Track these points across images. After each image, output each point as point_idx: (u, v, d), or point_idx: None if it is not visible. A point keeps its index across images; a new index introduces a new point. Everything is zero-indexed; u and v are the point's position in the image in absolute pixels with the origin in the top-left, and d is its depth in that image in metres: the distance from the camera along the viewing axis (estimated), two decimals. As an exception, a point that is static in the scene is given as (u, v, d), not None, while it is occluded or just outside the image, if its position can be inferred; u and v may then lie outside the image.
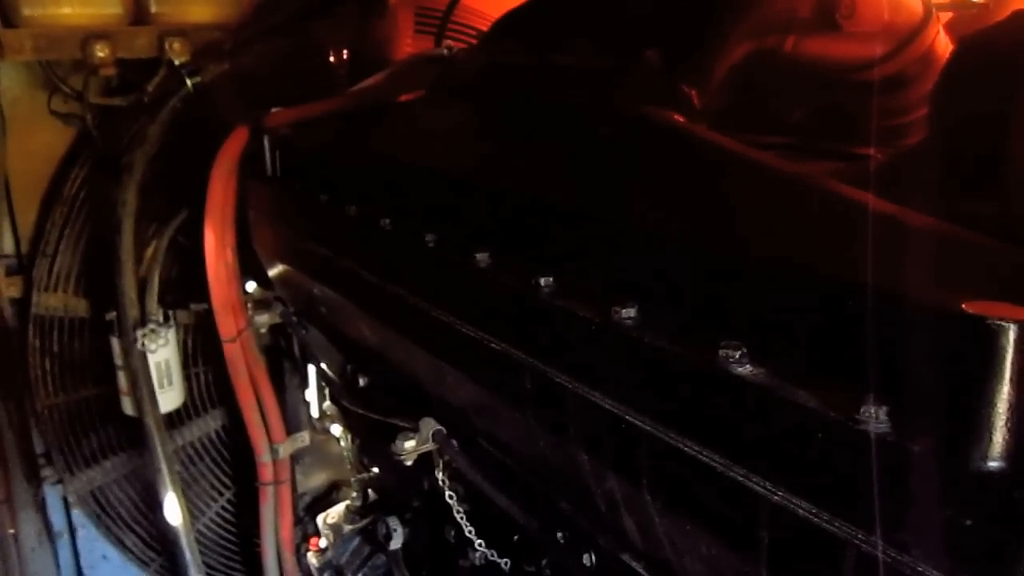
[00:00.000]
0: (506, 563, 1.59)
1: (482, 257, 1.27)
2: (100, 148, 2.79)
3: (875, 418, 0.71)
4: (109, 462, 3.05)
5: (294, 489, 2.84)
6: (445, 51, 2.39)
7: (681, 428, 0.91)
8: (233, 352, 2.43)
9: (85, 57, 2.53)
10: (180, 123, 2.67)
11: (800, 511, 0.77)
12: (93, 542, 3.16)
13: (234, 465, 3.20)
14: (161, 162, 2.69)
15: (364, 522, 2.30)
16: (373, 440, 2.23)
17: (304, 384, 2.62)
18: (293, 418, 2.73)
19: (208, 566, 3.09)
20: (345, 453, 2.48)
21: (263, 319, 2.51)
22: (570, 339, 1.07)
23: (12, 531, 2.85)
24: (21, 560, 2.90)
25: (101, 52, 2.52)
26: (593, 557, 1.32)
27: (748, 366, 0.83)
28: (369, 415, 1.96)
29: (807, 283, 0.86)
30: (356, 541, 2.33)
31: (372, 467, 2.37)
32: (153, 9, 2.66)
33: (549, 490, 1.38)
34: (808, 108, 1.78)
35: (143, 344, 2.60)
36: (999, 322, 0.64)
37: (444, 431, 1.61)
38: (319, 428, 2.62)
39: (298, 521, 2.87)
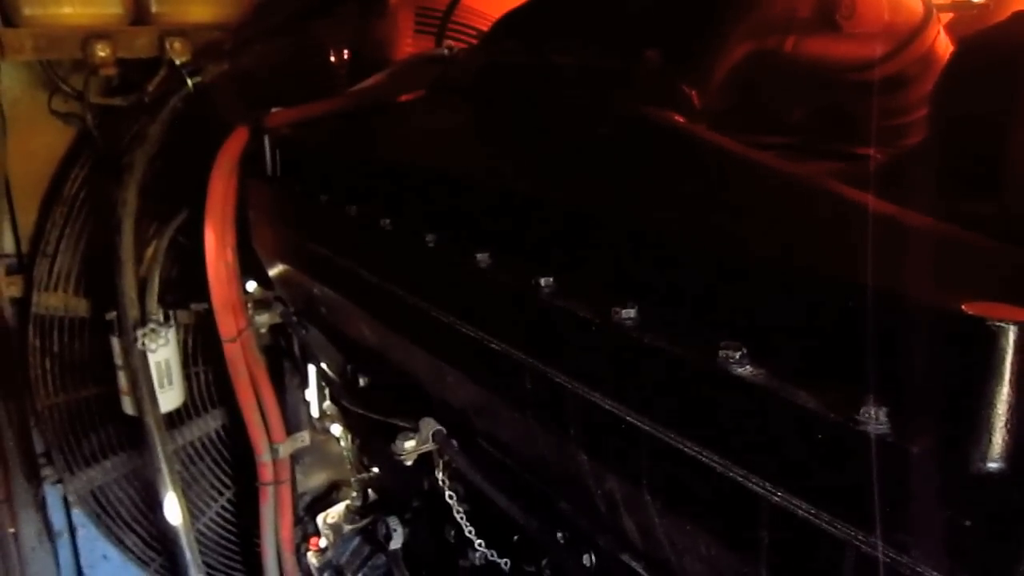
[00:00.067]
0: (506, 563, 1.59)
1: (482, 257, 1.27)
2: (100, 148, 2.79)
3: (875, 419, 0.71)
4: (109, 462, 3.05)
5: (294, 489, 2.84)
6: (445, 51, 2.39)
7: (681, 429, 0.91)
8: (233, 352, 2.43)
9: (86, 57, 2.53)
10: (180, 123, 2.68)
11: (800, 512, 0.77)
12: (93, 541, 3.16)
13: (234, 465, 3.20)
14: (161, 162, 2.70)
15: (364, 522, 2.30)
16: (373, 440, 2.23)
17: (304, 384, 2.62)
18: (293, 418, 2.74)
19: (208, 566, 3.09)
20: (345, 453, 2.48)
21: (263, 319, 2.52)
22: (570, 339, 1.07)
23: (12, 530, 2.85)
24: (21, 559, 2.90)
25: (102, 52, 2.52)
26: (593, 557, 1.32)
27: (748, 367, 0.83)
28: (369, 415, 1.96)
29: (807, 284, 0.86)
30: (356, 541, 2.33)
31: (372, 467, 2.37)
32: (154, 9, 2.66)
33: (549, 490, 1.38)
34: (808, 108, 1.78)
35: (143, 344, 2.60)
36: (999, 323, 0.64)
37: (444, 431, 1.61)
38: (319, 428, 2.62)
39: (298, 521, 2.87)
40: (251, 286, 2.52)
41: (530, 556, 1.54)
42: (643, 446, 0.97)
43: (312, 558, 2.49)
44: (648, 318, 0.98)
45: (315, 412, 2.56)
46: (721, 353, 0.85)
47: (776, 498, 0.80)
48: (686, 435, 0.90)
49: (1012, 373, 0.64)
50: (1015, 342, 0.63)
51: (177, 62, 2.61)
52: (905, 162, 1.41)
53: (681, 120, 1.47)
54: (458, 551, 1.73)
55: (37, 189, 2.86)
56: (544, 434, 1.22)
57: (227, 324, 2.39)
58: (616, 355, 1.00)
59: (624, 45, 1.66)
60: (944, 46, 1.69)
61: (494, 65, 1.98)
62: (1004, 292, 0.70)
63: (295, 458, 2.82)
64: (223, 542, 3.26)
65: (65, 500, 3.08)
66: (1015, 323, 0.63)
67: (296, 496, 2.88)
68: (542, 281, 1.12)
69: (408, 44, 2.77)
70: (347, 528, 2.36)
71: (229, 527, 3.26)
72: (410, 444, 1.60)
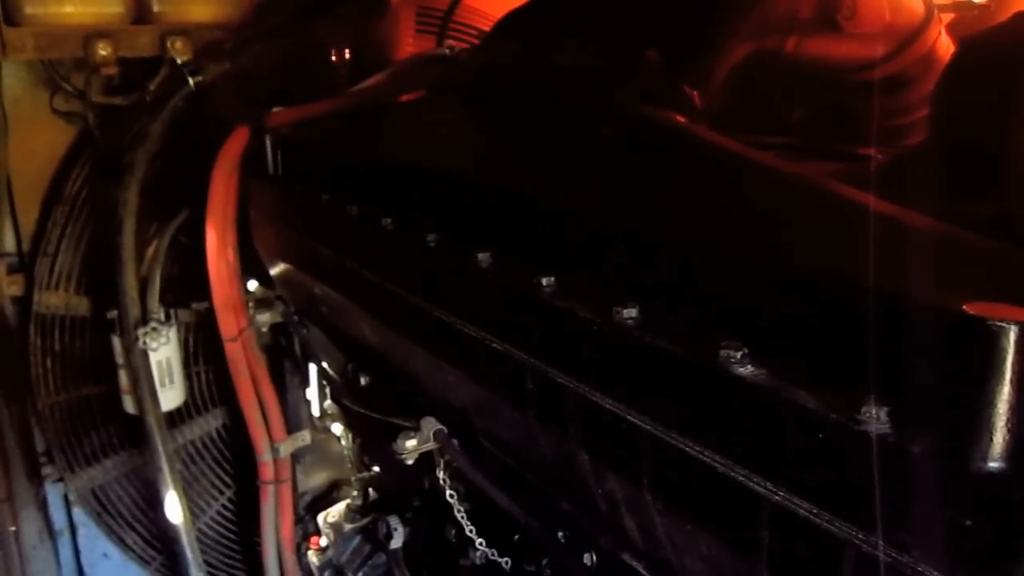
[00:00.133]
0: (507, 562, 1.59)
1: (483, 257, 1.27)
2: (102, 147, 2.79)
3: (876, 419, 0.71)
4: (110, 460, 3.05)
5: (295, 488, 2.84)
6: (447, 51, 2.39)
7: (682, 428, 0.91)
8: (234, 351, 2.43)
9: (87, 56, 2.53)
10: (182, 122, 2.68)
11: (801, 511, 0.77)
12: (94, 540, 3.16)
13: (235, 464, 3.20)
14: (163, 161, 2.70)
15: (365, 521, 2.30)
16: (374, 439, 2.23)
17: (305, 383, 2.62)
18: (294, 417, 2.74)
19: (209, 565, 3.09)
20: (346, 452, 2.48)
21: (264, 318, 2.52)
22: (571, 339, 1.07)
23: (13, 529, 2.86)
24: (22, 558, 2.91)
25: (103, 51, 2.52)
26: (594, 557, 1.32)
27: (749, 366, 0.84)
28: (370, 414, 1.96)
29: (808, 284, 0.86)
30: (357, 540, 2.34)
31: (373, 466, 2.37)
32: (155, 8, 2.66)
33: (550, 490, 1.38)
34: (809, 108, 1.78)
35: (144, 343, 2.60)
36: (1000, 323, 0.64)
37: (445, 430, 1.61)
38: (320, 427, 2.62)
39: (299, 520, 2.87)
40: (252, 285, 2.53)
41: (531, 555, 1.54)
42: (644, 446, 0.97)
43: (313, 557, 2.50)
44: (649, 318, 0.98)
45: (316, 411, 2.56)
46: (722, 353, 0.85)
47: (777, 498, 0.80)
48: (687, 435, 0.90)
49: (1013, 373, 0.64)
50: (1016, 342, 0.63)
51: (178, 61, 2.61)
52: (906, 162, 1.41)
53: (682, 120, 1.47)
54: (459, 550, 1.74)
55: (38, 188, 2.86)
56: (545, 434, 1.22)
57: (228, 323, 2.39)
58: (617, 355, 1.00)
59: (625, 45, 1.66)
60: (945, 46, 1.70)
61: (495, 65, 1.98)
62: (1005, 292, 0.70)
63: (296, 457, 2.83)
64: (224, 541, 3.26)
65: (66, 499, 3.08)
66: (1016, 323, 0.64)
67: (297, 495, 2.89)
68: (543, 281, 1.13)
69: (409, 44, 2.78)
70: (348, 527, 2.36)
71: (230, 526, 3.26)
72: (411, 443, 1.60)
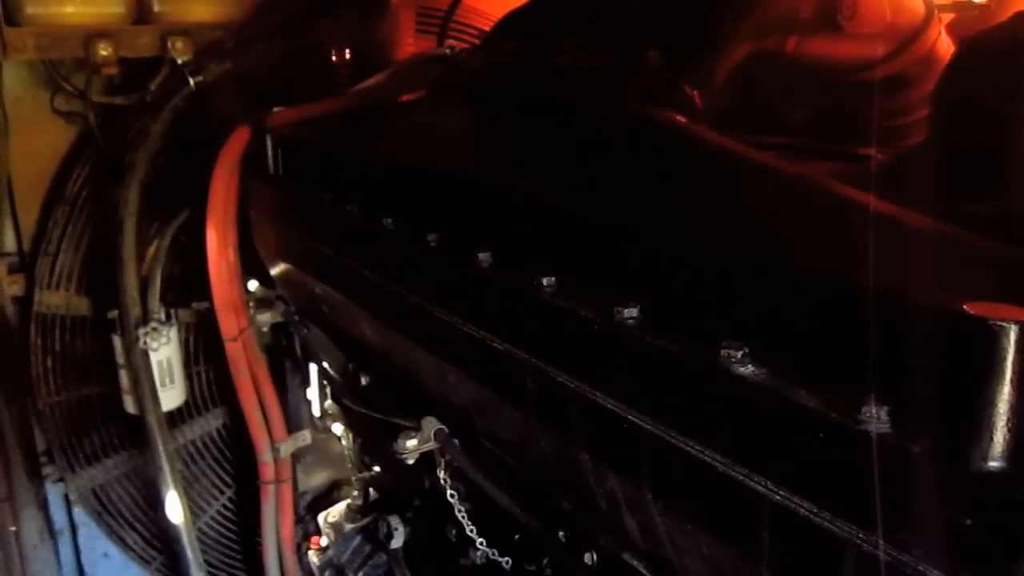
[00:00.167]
0: (507, 562, 1.59)
1: (484, 257, 1.27)
2: (102, 147, 2.79)
3: (876, 418, 0.71)
4: (111, 460, 3.06)
5: (295, 488, 2.85)
6: (447, 51, 2.39)
7: (683, 428, 0.91)
8: (235, 351, 2.44)
9: (88, 56, 2.54)
10: (182, 122, 2.68)
11: (801, 511, 0.77)
12: (94, 540, 3.16)
13: (235, 463, 3.20)
14: (163, 161, 2.70)
15: (365, 521, 2.30)
16: (374, 439, 2.23)
17: (305, 383, 2.62)
18: (294, 417, 2.74)
19: (209, 564, 3.09)
20: (346, 452, 2.48)
21: (265, 318, 2.52)
22: (572, 339, 1.07)
23: (14, 528, 2.86)
24: (23, 557, 2.91)
25: (104, 51, 2.53)
26: (594, 556, 1.32)
27: (750, 366, 0.84)
28: (370, 414, 1.96)
29: (809, 284, 0.86)
30: (357, 540, 2.34)
31: (373, 466, 2.37)
32: (156, 8, 2.66)
33: (550, 489, 1.38)
34: (810, 109, 1.78)
35: (145, 342, 2.61)
36: (1000, 323, 0.64)
37: (446, 430, 1.61)
38: (320, 427, 2.62)
39: (299, 520, 2.88)
40: (253, 285, 2.53)
41: (531, 555, 1.55)
42: (644, 445, 0.97)
43: (313, 557, 2.50)
44: (650, 318, 0.99)
45: (316, 411, 2.57)
46: (723, 352, 0.85)
47: (777, 497, 0.80)
48: (688, 434, 0.90)
49: (1013, 372, 0.64)
50: (1016, 341, 0.64)
51: (179, 61, 2.61)
52: (906, 162, 1.41)
53: (683, 120, 1.47)
54: (459, 550, 1.74)
55: (39, 188, 2.86)
56: (546, 433, 1.22)
57: (228, 323, 2.39)
58: (618, 354, 1.00)
59: (626, 45, 1.66)
60: (945, 46, 1.70)
61: (496, 65, 1.98)
62: (1005, 292, 0.71)
63: (296, 457, 2.83)
64: (224, 541, 3.26)
65: (66, 498, 3.08)
66: (1016, 323, 0.64)
67: (297, 495, 2.89)
68: (544, 280, 1.13)
69: (410, 44, 2.78)
70: (348, 527, 2.36)
71: (230, 526, 3.26)
72: (412, 443, 1.61)
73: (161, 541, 3.15)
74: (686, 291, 0.99)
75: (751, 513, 0.83)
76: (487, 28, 2.73)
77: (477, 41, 2.73)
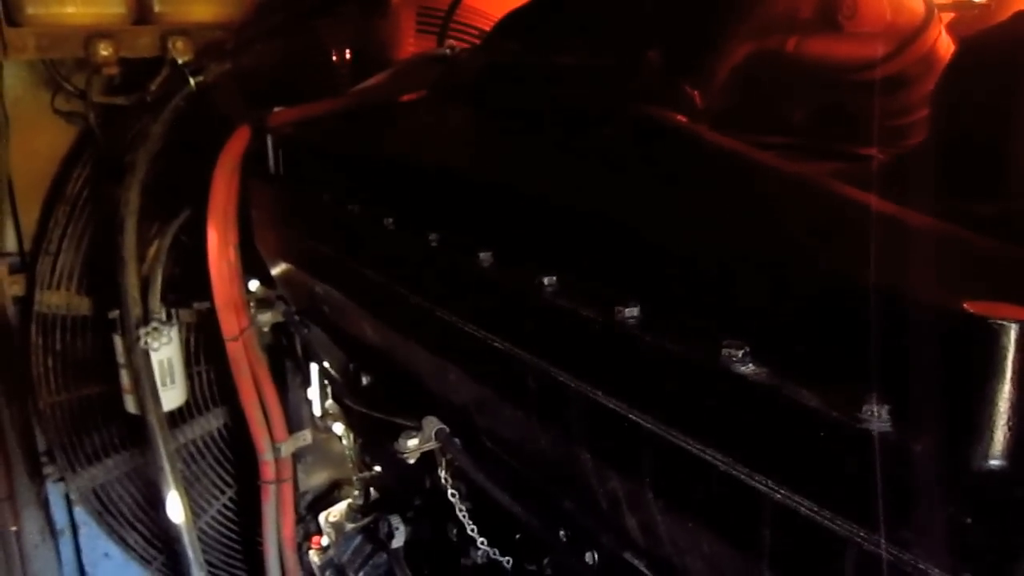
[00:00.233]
0: (508, 561, 1.59)
1: (485, 256, 1.27)
2: (103, 147, 2.80)
3: (877, 417, 0.72)
4: (111, 460, 3.06)
5: (296, 487, 2.85)
6: (447, 51, 2.40)
7: (684, 427, 0.91)
8: (235, 350, 2.44)
9: (88, 56, 2.54)
10: (183, 122, 2.68)
11: (802, 509, 0.78)
12: (95, 540, 3.16)
13: (236, 463, 3.20)
14: (164, 161, 2.70)
15: (366, 520, 2.30)
16: (375, 439, 2.23)
17: (306, 383, 2.63)
18: (295, 416, 2.74)
19: (210, 564, 3.10)
20: (347, 451, 2.48)
21: (265, 318, 2.52)
22: (573, 338, 1.07)
23: (14, 528, 2.86)
24: (23, 557, 2.91)
25: (104, 51, 2.53)
26: (595, 555, 1.32)
27: (751, 365, 0.84)
28: (371, 413, 1.96)
29: (809, 283, 0.86)
30: (358, 539, 2.34)
31: (374, 465, 2.38)
32: (156, 8, 2.67)
33: (551, 488, 1.38)
34: (810, 108, 1.78)
35: (146, 342, 2.61)
36: (1000, 321, 0.64)
37: (447, 429, 1.61)
38: (321, 426, 2.62)
39: (300, 519, 2.88)
40: (253, 285, 2.53)
41: (532, 554, 1.55)
42: (645, 444, 0.97)
43: (314, 556, 2.50)
44: (650, 317, 0.99)
45: (317, 411, 2.57)
46: (724, 351, 0.85)
47: (778, 496, 0.80)
48: (688, 433, 0.91)
49: (1013, 371, 0.64)
50: (1016, 340, 0.64)
51: (179, 61, 2.62)
52: (907, 162, 1.41)
53: (683, 120, 1.48)
54: (460, 549, 1.74)
55: (40, 188, 2.86)
56: (547, 433, 1.22)
57: (229, 323, 2.40)
58: (618, 354, 1.00)
59: (627, 45, 1.67)
60: (946, 46, 1.70)
61: (496, 65, 1.98)
62: (1005, 291, 0.71)
63: (297, 457, 2.83)
64: (225, 540, 3.26)
65: (67, 498, 3.09)
66: (1016, 321, 0.64)
67: (298, 495, 2.89)
68: (545, 280, 1.13)
69: (410, 44, 2.78)
70: (349, 526, 2.36)
71: (231, 525, 3.26)
72: (413, 442, 1.61)
73: (162, 541, 3.15)
74: (687, 290, 0.99)
75: (752, 512, 0.83)
76: (488, 28, 2.73)
77: (478, 41, 2.73)
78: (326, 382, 2.46)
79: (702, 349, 0.88)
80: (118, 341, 2.69)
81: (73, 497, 3.07)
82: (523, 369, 1.18)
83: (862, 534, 0.73)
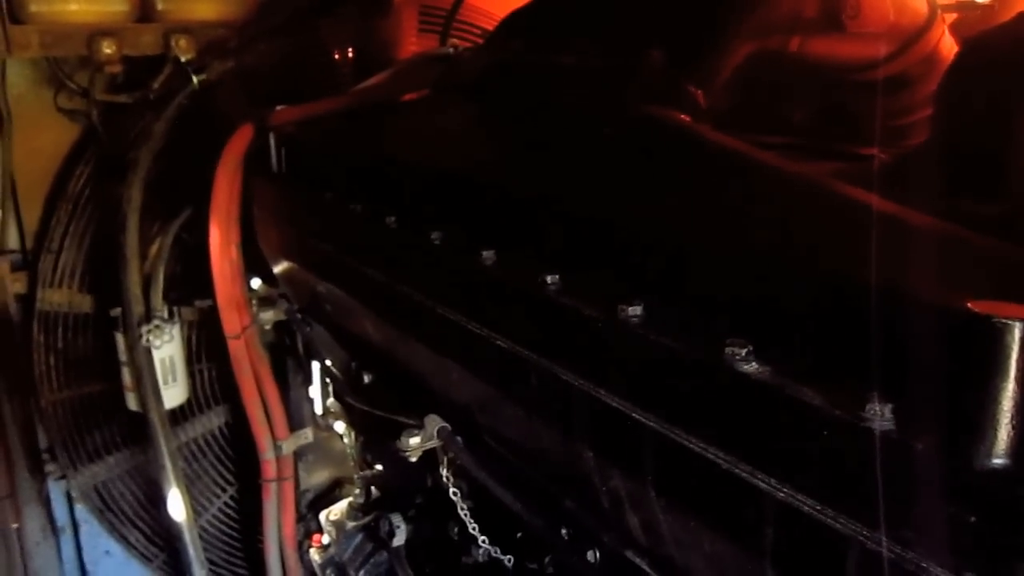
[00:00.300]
0: (510, 560, 1.59)
1: (488, 255, 1.27)
2: (105, 145, 2.80)
3: (880, 415, 0.72)
4: (113, 458, 3.06)
5: (297, 486, 2.85)
6: (450, 50, 2.40)
7: (686, 425, 0.91)
8: (237, 349, 2.44)
9: (91, 54, 2.54)
10: (185, 120, 2.68)
11: (805, 508, 0.78)
12: (96, 537, 3.17)
13: (237, 461, 3.21)
14: (166, 159, 2.70)
15: (367, 519, 2.30)
16: (377, 437, 2.23)
17: (308, 381, 2.63)
18: (296, 415, 2.74)
19: (211, 562, 3.10)
20: (348, 450, 2.48)
21: (267, 316, 2.52)
22: (576, 336, 1.08)
23: (16, 526, 2.87)
24: (24, 554, 2.91)
25: (107, 49, 2.53)
26: (597, 554, 1.32)
27: (754, 364, 0.84)
28: (373, 412, 1.96)
29: (812, 282, 0.86)
30: (359, 538, 2.34)
31: (375, 464, 2.38)
32: (159, 6, 2.67)
33: (553, 487, 1.38)
34: (813, 108, 1.78)
35: (147, 340, 2.61)
36: (1004, 320, 0.64)
37: (449, 428, 1.61)
38: (323, 425, 2.62)
39: (301, 518, 2.88)
40: (255, 283, 2.53)
41: (534, 553, 1.55)
42: (648, 443, 0.98)
43: (315, 555, 2.50)
44: (654, 315, 0.99)
45: (319, 409, 2.57)
46: (727, 350, 0.85)
47: (781, 494, 0.80)
48: (691, 432, 0.91)
49: (1017, 370, 0.64)
50: (1020, 339, 0.64)
51: (182, 59, 2.62)
52: (909, 162, 1.41)
53: (686, 119, 1.48)
54: (461, 548, 1.74)
55: (42, 185, 2.87)
56: (549, 431, 1.23)
57: (231, 321, 2.40)
58: (621, 352, 1.00)
59: (629, 44, 1.67)
60: (948, 46, 1.70)
61: (499, 64, 1.98)
62: (1008, 290, 0.71)
63: (298, 455, 2.83)
64: (226, 538, 3.26)
65: (68, 496, 3.09)
66: (1020, 320, 0.64)
67: (299, 493, 2.89)
68: (548, 279, 1.13)
69: (412, 43, 2.78)
70: (350, 525, 2.36)
71: (232, 523, 3.27)
72: (415, 441, 1.61)
73: (163, 539, 3.16)
74: (690, 289, 0.99)
75: (755, 510, 0.83)
76: (490, 27, 2.74)
77: (480, 40, 2.73)
78: (328, 380, 2.46)
79: (705, 348, 0.89)
80: (120, 339, 2.69)
81: (74, 495, 3.08)
82: (525, 367, 1.18)
83: (865, 533, 0.73)
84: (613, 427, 1.03)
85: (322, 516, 2.52)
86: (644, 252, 1.08)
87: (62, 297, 2.89)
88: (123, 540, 3.18)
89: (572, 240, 1.20)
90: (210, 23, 2.72)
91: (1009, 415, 0.64)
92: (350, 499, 2.49)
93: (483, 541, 1.63)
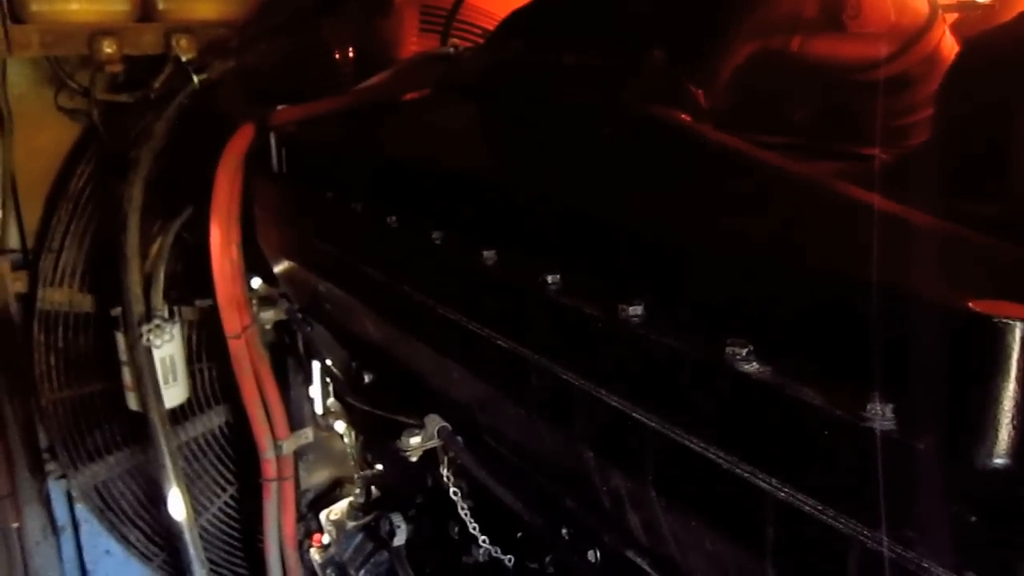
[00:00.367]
0: (510, 560, 1.60)
1: (488, 255, 1.27)
2: (106, 144, 2.80)
3: (881, 415, 0.72)
4: (113, 457, 3.06)
5: (297, 485, 2.85)
6: (451, 50, 2.40)
7: (687, 425, 0.91)
8: (238, 348, 2.44)
9: (92, 53, 2.54)
10: (186, 120, 2.68)
11: (806, 508, 0.78)
12: (96, 537, 3.17)
13: (238, 461, 3.21)
14: (167, 158, 2.70)
15: (367, 518, 2.30)
16: (377, 436, 2.23)
17: (308, 380, 2.63)
18: (297, 414, 2.74)
19: (211, 562, 3.10)
20: (349, 449, 2.48)
21: (268, 315, 2.52)
22: (576, 336, 1.08)
23: (16, 525, 2.87)
24: (25, 554, 2.91)
25: (108, 48, 2.53)
26: (598, 554, 1.32)
27: (754, 364, 0.84)
28: (373, 411, 1.96)
29: (813, 281, 0.86)
30: (359, 538, 2.34)
31: (376, 464, 2.38)
32: (160, 6, 2.67)
33: (554, 487, 1.38)
34: (813, 108, 1.78)
35: (148, 340, 2.61)
36: (1005, 320, 0.64)
37: (449, 427, 1.61)
38: (323, 424, 2.62)
39: (301, 517, 2.88)
40: (256, 283, 2.53)
41: (534, 553, 1.55)
42: (649, 443, 0.98)
43: (315, 554, 2.50)
44: (654, 315, 0.99)
45: (319, 408, 2.57)
46: (727, 350, 0.85)
47: (782, 494, 0.80)
48: (692, 432, 0.91)
49: (1018, 370, 0.64)
50: (1021, 339, 0.64)
51: (183, 59, 2.62)
52: (910, 162, 1.41)
53: (687, 119, 1.48)
54: (462, 548, 1.74)
55: (43, 185, 2.87)
56: (549, 431, 1.23)
57: (232, 321, 2.40)
58: (622, 352, 1.00)
59: (630, 44, 1.67)
60: (949, 46, 1.70)
61: (500, 64, 1.98)
62: (1009, 290, 0.71)
63: (299, 454, 2.83)
64: (226, 538, 3.26)
65: (69, 495, 3.09)
66: (1020, 320, 0.64)
67: (299, 492, 2.89)
68: (548, 278, 1.13)
69: (413, 43, 2.78)
70: (350, 524, 2.36)
71: (232, 523, 3.27)
72: (415, 440, 1.61)
73: (163, 538, 3.16)
74: (691, 289, 0.99)
75: (755, 510, 0.83)
76: (491, 27, 2.74)
77: (481, 40, 2.73)
78: (328, 380, 2.46)
79: (705, 348, 0.89)
80: (120, 338, 2.69)
81: (75, 494, 3.08)
82: (526, 367, 1.18)
83: (865, 533, 0.73)
84: (613, 427, 1.03)
85: (322, 516, 2.52)
86: (645, 252, 1.08)
87: (63, 296, 2.89)
88: (123, 539, 3.18)
89: (573, 240, 1.20)
90: (211, 23, 2.72)
91: (1010, 415, 0.64)
92: (350, 499, 2.49)
93: (483, 541, 1.63)
